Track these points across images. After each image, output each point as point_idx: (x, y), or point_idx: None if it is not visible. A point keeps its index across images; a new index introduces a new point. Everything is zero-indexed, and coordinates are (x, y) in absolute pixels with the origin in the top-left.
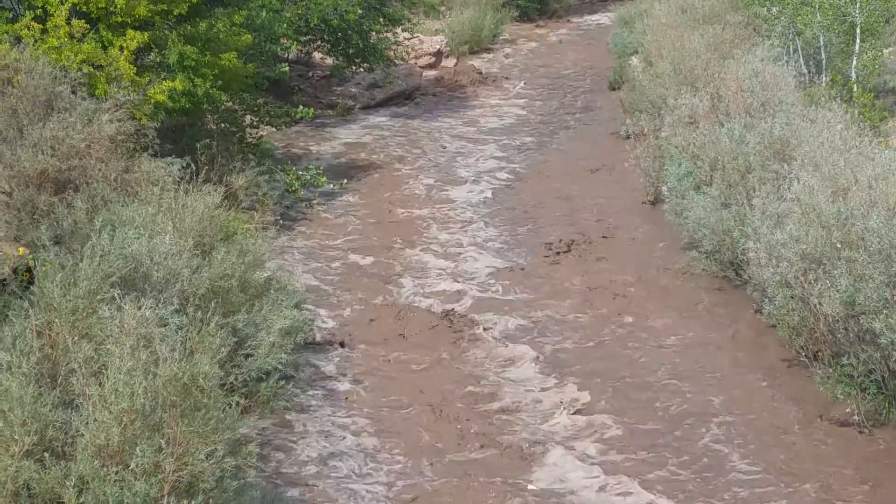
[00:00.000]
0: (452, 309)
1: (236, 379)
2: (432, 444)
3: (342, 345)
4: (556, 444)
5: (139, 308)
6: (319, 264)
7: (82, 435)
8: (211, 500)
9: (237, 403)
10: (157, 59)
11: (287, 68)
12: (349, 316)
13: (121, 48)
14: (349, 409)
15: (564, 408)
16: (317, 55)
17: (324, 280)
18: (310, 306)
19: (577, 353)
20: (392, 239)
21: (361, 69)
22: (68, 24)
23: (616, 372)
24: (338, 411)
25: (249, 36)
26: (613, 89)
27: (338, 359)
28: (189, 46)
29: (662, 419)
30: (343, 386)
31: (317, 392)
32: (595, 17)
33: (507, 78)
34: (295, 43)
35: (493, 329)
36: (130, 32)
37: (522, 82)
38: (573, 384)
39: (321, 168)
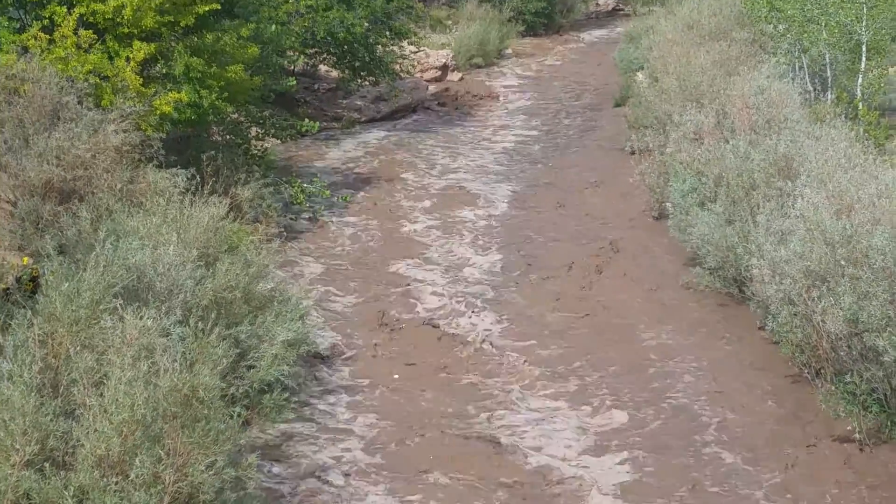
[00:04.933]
0: (450, 326)
1: (238, 390)
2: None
3: (343, 356)
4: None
5: (141, 318)
6: (322, 275)
7: (83, 445)
8: None
9: (238, 415)
10: (164, 71)
11: (294, 81)
12: (351, 330)
13: (127, 59)
14: (352, 418)
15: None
16: (323, 68)
17: (326, 292)
18: (313, 318)
19: (577, 367)
20: (394, 252)
21: (367, 82)
22: (75, 34)
23: (617, 386)
24: (341, 421)
25: (256, 48)
26: (619, 105)
27: (340, 371)
28: (195, 58)
29: (661, 433)
30: (345, 398)
31: (319, 404)
32: (601, 32)
33: (512, 92)
34: (301, 56)
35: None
36: (137, 43)
37: (527, 96)
38: (574, 401)
39: (325, 181)
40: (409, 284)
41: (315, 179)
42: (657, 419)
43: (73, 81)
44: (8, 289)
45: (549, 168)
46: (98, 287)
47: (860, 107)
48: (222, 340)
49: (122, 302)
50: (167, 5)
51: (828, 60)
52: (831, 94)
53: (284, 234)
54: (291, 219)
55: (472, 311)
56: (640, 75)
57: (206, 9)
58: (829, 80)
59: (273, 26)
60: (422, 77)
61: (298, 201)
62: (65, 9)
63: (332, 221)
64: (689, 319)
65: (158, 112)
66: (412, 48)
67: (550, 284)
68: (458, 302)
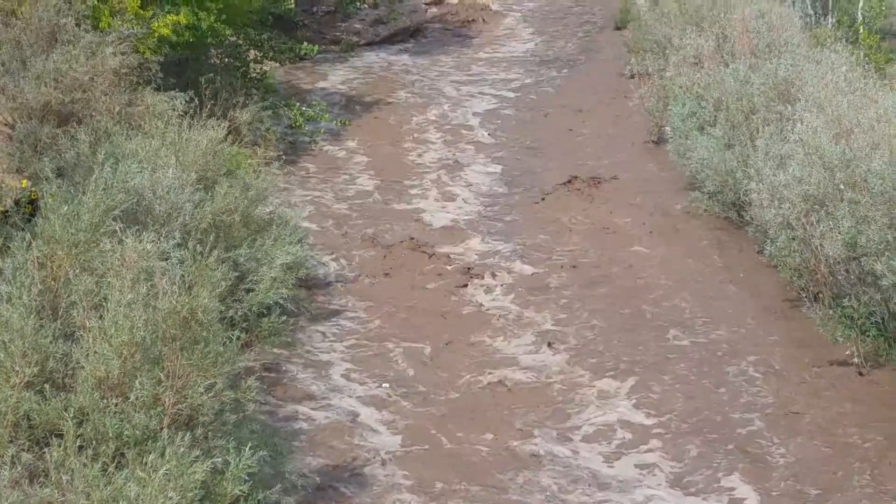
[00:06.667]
0: (452, 252)
1: (237, 313)
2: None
3: (343, 280)
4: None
5: (140, 241)
6: (320, 199)
7: (82, 367)
8: (210, 433)
9: (237, 338)
10: None
11: (293, 4)
12: (349, 252)
13: None
14: (349, 342)
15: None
16: None
17: (324, 216)
18: (311, 242)
19: (577, 291)
20: (393, 176)
21: (366, 5)
22: None
23: (615, 309)
24: (338, 344)
25: None
26: (618, 28)
27: (338, 294)
28: None
29: (660, 354)
30: (345, 324)
31: (317, 327)
32: None
33: (511, 15)
34: None
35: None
36: None
37: (527, 19)
38: (574, 325)
39: (324, 104)
40: (408, 206)
41: (314, 103)
42: (646, 339)
43: (70, 3)
44: (6, 211)
45: (548, 91)
46: (97, 210)
47: (861, 31)
48: (221, 263)
49: (121, 225)
50: None
51: None
52: (832, 18)
53: (283, 157)
54: (290, 142)
55: (468, 235)
56: None
57: None
58: (830, 3)
59: None
60: (421, 0)
61: (297, 125)
62: None
63: (330, 145)
64: (686, 243)
65: (157, 35)
66: None
67: (548, 207)
68: (453, 221)
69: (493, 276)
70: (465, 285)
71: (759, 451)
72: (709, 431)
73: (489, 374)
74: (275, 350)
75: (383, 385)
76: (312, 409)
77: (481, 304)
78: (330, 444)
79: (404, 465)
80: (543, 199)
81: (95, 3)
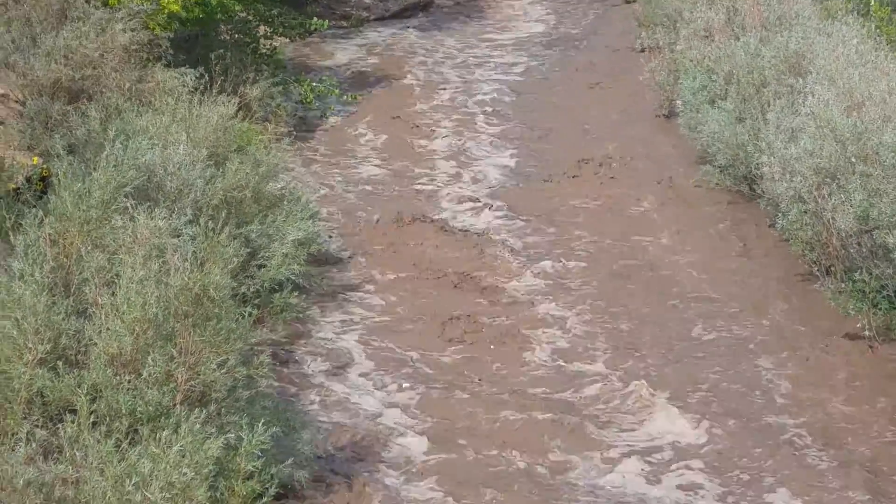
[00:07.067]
0: (467, 228)
1: (248, 289)
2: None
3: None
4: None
5: (152, 218)
6: (332, 175)
7: (95, 344)
8: (223, 410)
9: (249, 314)
10: None
11: None
12: (361, 228)
13: None
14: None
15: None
16: None
17: (336, 191)
18: (323, 218)
19: (598, 286)
20: (403, 160)
21: None
22: None
23: (640, 304)
24: (349, 321)
25: None
26: (628, 2)
27: (350, 270)
28: None
29: (690, 356)
30: (355, 296)
31: (328, 303)
32: None
33: None
34: None
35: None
36: None
37: None
38: (583, 303)
39: (335, 79)
40: (418, 191)
41: (324, 78)
42: (658, 311)
43: None
44: (18, 188)
45: (558, 65)
46: (109, 187)
47: (872, 3)
48: (233, 240)
49: (132, 202)
50: None
51: None
52: None
53: (294, 133)
54: (301, 118)
55: (481, 223)
56: None
57: None
58: None
59: None
60: None
61: (307, 100)
62: None
63: (340, 124)
64: (697, 216)
65: (166, 11)
66: None
67: (561, 191)
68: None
69: (510, 268)
70: (482, 279)
71: (802, 460)
72: (752, 445)
73: (511, 379)
74: (285, 336)
75: (404, 385)
76: (322, 396)
77: (500, 300)
78: (343, 440)
79: (426, 467)
80: (556, 182)
81: None
